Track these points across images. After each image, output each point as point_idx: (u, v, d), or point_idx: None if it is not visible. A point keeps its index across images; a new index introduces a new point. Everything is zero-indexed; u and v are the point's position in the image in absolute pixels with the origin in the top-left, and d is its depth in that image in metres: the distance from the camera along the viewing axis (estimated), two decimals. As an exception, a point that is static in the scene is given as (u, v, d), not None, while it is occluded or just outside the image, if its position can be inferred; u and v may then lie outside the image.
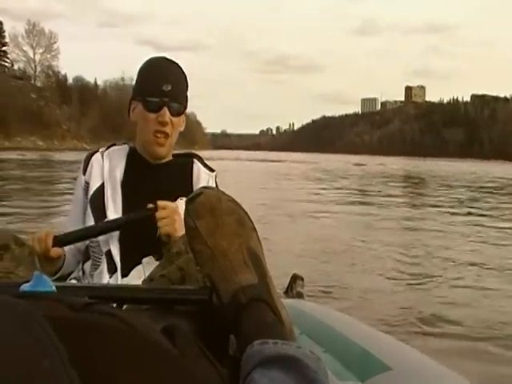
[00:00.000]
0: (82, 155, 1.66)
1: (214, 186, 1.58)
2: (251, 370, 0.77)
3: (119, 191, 1.52)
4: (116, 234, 1.46)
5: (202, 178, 1.59)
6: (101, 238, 1.47)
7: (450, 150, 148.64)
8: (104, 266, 1.44)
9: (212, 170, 1.66)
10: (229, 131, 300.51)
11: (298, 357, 0.78)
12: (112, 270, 1.43)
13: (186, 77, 1.57)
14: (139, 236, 1.44)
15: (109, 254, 1.45)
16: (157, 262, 1.32)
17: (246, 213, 0.98)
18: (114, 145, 1.64)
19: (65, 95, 75.82)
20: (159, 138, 1.53)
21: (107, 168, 1.56)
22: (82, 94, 78.26)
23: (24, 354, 0.54)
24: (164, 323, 0.79)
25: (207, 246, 0.93)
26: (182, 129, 1.59)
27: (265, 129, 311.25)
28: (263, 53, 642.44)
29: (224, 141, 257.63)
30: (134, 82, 1.62)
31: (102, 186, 1.54)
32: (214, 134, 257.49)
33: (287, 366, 0.76)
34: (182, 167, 1.61)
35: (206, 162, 1.68)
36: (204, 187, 1.01)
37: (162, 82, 1.49)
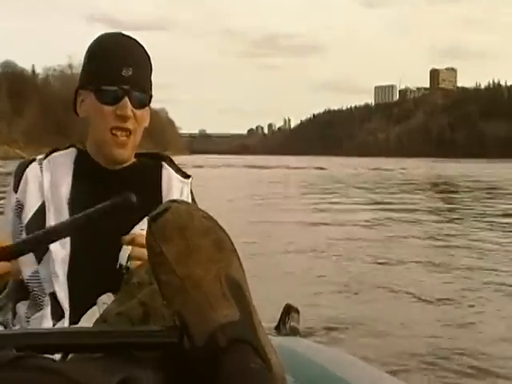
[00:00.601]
0: (14, 165, 1.63)
1: (190, 196, 1.60)
2: None
3: (66, 212, 1.48)
4: (63, 271, 1.43)
5: (173, 186, 1.58)
6: (43, 275, 1.44)
7: (490, 148, 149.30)
8: (47, 311, 1.41)
9: (186, 176, 1.65)
10: (209, 131, 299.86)
11: None
12: (57, 316, 1.39)
13: (149, 58, 1.57)
14: (94, 268, 1.42)
15: (53, 296, 1.42)
16: None
17: (225, 233, 0.99)
18: (57, 150, 1.60)
19: (-13, 86, 72.73)
20: (119, 137, 1.51)
21: (48, 182, 1.52)
22: (14, 85, 75.99)
23: None
24: (121, 375, 0.77)
25: (176, 275, 0.94)
26: (146, 124, 1.59)
27: (254, 127, 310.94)
28: (250, 32, 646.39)
29: (203, 143, 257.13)
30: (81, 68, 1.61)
31: (43, 207, 1.50)
32: (190, 136, 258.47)
33: None
34: (148, 173, 1.60)
35: (178, 165, 1.67)
36: (172, 201, 1.01)
37: (120, 66, 1.48)
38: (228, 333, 0.90)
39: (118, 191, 1.45)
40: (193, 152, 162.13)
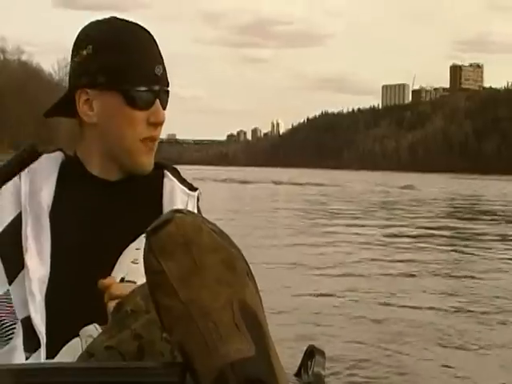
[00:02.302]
0: None
1: (195, 211, 1.60)
2: None
3: (46, 225, 1.53)
4: (40, 292, 1.46)
5: (177, 199, 1.63)
6: (15, 297, 1.47)
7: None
8: (18, 341, 1.42)
9: (193, 189, 1.71)
10: (180, 137, 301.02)
11: None
12: (31, 348, 1.42)
13: None
14: (78, 291, 1.46)
15: (27, 322, 1.43)
16: None
17: (239, 250, 1.02)
18: (39, 153, 1.61)
19: None
20: (147, 146, 1.59)
21: (26, 189, 1.55)
22: None
23: None
24: None
25: (179, 300, 0.95)
26: None
27: (235, 132, 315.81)
28: (231, 16, 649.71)
29: (172, 152, 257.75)
30: (76, 57, 1.60)
31: (19, 218, 1.53)
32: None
33: None
34: (148, 184, 1.64)
35: (182, 175, 1.73)
36: (175, 211, 1.03)
37: (152, 63, 1.56)
38: (240, 371, 0.91)
39: (111, 204, 1.60)
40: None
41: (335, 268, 9.83)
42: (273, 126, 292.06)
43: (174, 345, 1.00)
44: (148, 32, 1.59)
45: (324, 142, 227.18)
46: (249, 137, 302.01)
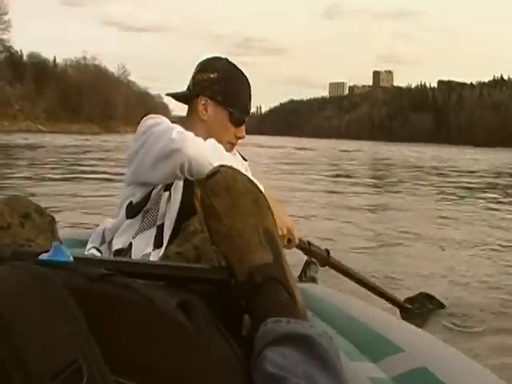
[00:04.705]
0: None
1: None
2: (264, 347, 0.78)
3: None
4: (175, 208, 1.41)
5: (238, 163, 1.51)
6: (162, 207, 1.41)
7: (418, 135, 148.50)
8: (151, 240, 1.36)
9: (245, 160, 1.74)
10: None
11: (311, 335, 0.79)
12: (158, 245, 1.37)
13: None
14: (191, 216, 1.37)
15: (161, 228, 1.39)
16: None
17: (262, 193, 1.00)
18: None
19: (18, 72, 70.89)
20: (230, 147, 1.63)
21: None
22: (39, 72, 73.69)
23: (44, 317, 0.56)
24: (180, 298, 0.79)
25: (223, 225, 0.94)
26: None
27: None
28: (231, 36, 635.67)
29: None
30: (203, 75, 1.60)
31: None
32: (180, 117, 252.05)
33: (299, 344, 0.77)
34: None
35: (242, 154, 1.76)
36: (221, 165, 1.01)
37: (249, 100, 1.63)
38: (263, 272, 0.90)
39: None
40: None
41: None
42: (257, 108, 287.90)
43: (220, 255, 0.97)
44: (247, 77, 1.61)
45: (290, 119, 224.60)
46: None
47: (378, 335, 1.15)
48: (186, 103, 1.67)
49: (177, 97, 1.68)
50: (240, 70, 1.60)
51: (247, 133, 1.70)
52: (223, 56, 1.64)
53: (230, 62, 1.60)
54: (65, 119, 67.71)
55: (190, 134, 1.37)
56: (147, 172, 1.41)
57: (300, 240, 1.75)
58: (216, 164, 1.10)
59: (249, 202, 0.95)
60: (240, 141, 1.72)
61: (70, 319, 0.57)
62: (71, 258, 0.82)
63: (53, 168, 12.41)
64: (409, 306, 2.61)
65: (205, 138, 1.48)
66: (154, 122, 1.48)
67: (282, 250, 0.96)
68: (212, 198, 0.95)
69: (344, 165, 20.53)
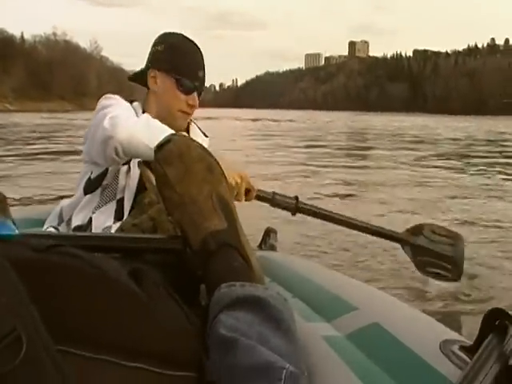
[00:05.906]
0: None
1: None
2: (219, 312, 0.77)
3: None
4: (133, 182, 1.44)
5: (198, 139, 1.51)
6: (121, 181, 1.44)
7: (395, 104, 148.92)
8: (111, 213, 1.39)
9: (206, 136, 1.73)
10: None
11: (265, 297, 0.79)
12: (119, 218, 1.40)
13: None
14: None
15: (121, 201, 1.41)
16: None
17: (216, 160, 0.99)
18: (133, 101, 1.64)
19: (-19, 50, 68.80)
20: (183, 115, 1.62)
21: None
22: (5, 49, 71.28)
23: None
24: (132, 267, 0.79)
25: (176, 193, 0.94)
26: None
27: (208, 85, 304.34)
28: (205, 9, 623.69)
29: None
30: (153, 48, 1.63)
31: None
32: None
33: (253, 307, 0.77)
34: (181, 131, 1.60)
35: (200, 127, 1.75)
36: (173, 134, 1.02)
37: (198, 67, 1.61)
38: (217, 238, 0.90)
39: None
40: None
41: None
42: (233, 81, 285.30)
43: (174, 222, 0.98)
44: (198, 47, 1.62)
45: (267, 91, 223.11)
46: (217, 88, 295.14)
47: (332, 295, 1.18)
48: (142, 84, 1.67)
49: (133, 79, 1.69)
50: (191, 41, 1.62)
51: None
52: (180, 32, 1.65)
53: (183, 36, 1.62)
54: (35, 98, 66.16)
55: (122, 118, 1.36)
56: (95, 156, 1.45)
57: (263, 191, 1.72)
58: (151, 142, 1.10)
59: (202, 169, 0.95)
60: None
61: (8, 290, 0.56)
62: (16, 232, 0.80)
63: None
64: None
65: (156, 111, 1.57)
66: (105, 103, 1.50)
67: (236, 216, 0.95)
68: (165, 167, 0.94)
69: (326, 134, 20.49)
